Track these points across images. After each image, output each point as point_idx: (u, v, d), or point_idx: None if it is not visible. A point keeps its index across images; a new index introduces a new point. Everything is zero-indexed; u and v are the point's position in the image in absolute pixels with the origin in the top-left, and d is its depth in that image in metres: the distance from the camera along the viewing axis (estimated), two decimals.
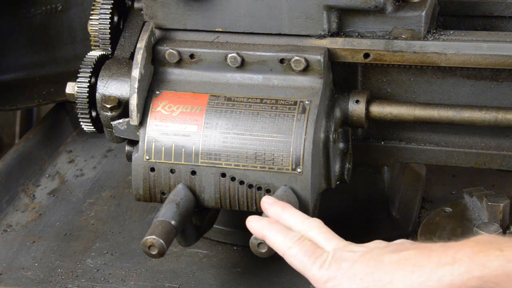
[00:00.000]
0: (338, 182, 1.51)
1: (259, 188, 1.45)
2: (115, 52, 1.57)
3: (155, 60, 1.51)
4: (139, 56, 1.46)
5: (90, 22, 1.56)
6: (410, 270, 1.18)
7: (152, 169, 1.48)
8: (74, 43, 2.12)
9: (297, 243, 1.28)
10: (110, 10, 1.55)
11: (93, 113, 1.55)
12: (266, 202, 1.38)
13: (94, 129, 1.56)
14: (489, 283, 1.12)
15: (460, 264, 1.14)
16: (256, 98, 1.46)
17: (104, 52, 1.57)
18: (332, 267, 1.24)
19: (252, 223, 1.34)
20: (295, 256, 1.28)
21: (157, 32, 1.52)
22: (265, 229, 1.33)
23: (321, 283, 1.24)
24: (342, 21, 1.47)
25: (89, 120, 1.55)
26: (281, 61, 1.46)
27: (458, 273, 1.13)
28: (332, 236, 1.30)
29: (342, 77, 1.53)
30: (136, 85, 1.45)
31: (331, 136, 1.46)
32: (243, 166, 1.44)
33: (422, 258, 1.18)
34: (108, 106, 1.50)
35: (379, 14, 1.45)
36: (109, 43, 1.57)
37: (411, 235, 1.67)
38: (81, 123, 1.56)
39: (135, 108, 1.46)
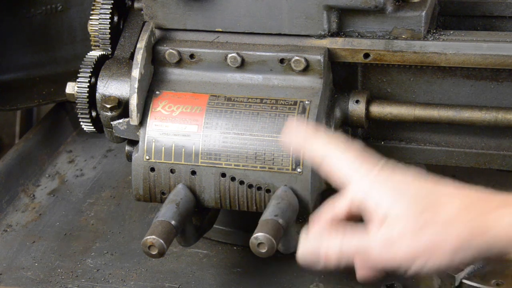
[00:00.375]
0: None
1: (259, 188, 1.45)
2: (115, 52, 1.57)
3: (155, 60, 1.51)
4: (139, 56, 1.46)
5: (90, 22, 1.56)
6: (470, 201, 1.11)
7: (152, 169, 1.48)
8: (74, 43, 2.12)
9: (340, 145, 1.19)
10: (110, 10, 1.55)
11: (93, 113, 1.55)
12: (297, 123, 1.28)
13: (94, 129, 1.57)
14: None
15: None
16: (256, 98, 1.46)
17: (104, 52, 1.57)
18: (381, 178, 1.15)
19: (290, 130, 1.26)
20: (338, 157, 1.18)
21: (157, 32, 1.52)
22: (305, 137, 1.23)
23: (363, 190, 1.16)
24: (342, 21, 1.47)
25: (89, 120, 1.55)
26: (281, 61, 1.46)
27: None
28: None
29: (342, 77, 1.53)
30: (136, 85, 1.45)
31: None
32: (243, 166, 1.44)
33: (484, 196, 1.12)
34: (108, 106, 1.50)
35: (379, 14, 1.45)
36: (109, 43, 1.57)
37: None
38: (81, 123, 1.56)
39: (135, 108, 1.46)
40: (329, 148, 1.20)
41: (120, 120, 1.50)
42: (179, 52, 1.49)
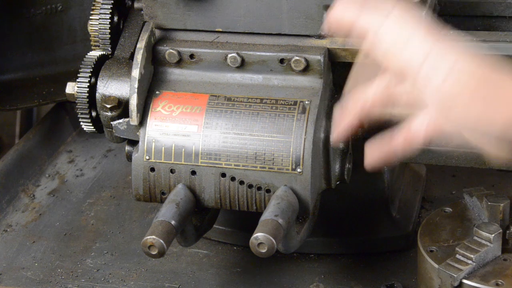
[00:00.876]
0: (338, 182, 1.51)
1: (259, 188, 1.45)
2: (115, 52, 1.57)
3: (155, 60, 1.51)
4: (139, 56, 1.46)
5: (90, 22, 1.56)
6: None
7: (152, 169, 1.48)
8: (74, 43, 2.12)
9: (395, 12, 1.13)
10: (110, 10, 1.55)
11: (93, 113, 1.55)
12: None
13: (94, 129, 1.56)
14: None
15: None
16: (256, 98, 1.46)
17: (104, 52, 1.57)
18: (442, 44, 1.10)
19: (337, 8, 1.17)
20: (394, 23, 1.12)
21: (157, 32, 1.52)
22: (355, 12, 1.15)
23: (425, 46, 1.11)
24: None
25: (89, 120, 1.55)
26: (281, 61, 1.46)
27: None
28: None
29: (342, 77, 1.53)
30: (136, 85, 1.45)
31: (331, 136, 1.46)
32: (243, 166, 1.44)
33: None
34: (108, 106, 1.50)
35: None
36: (109, 43, 1.57)
37: (411, 235, 1.67)
38: (81, 123, 1.56)
39: (135, 108, 1.46)
40: (385, 20, 1.13)
41: (120, 120, 1.50)
42: (179, 52, 1.49)
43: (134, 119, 1.47)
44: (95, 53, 1.56)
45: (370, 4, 1.14)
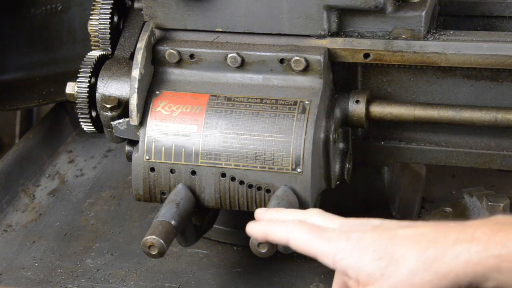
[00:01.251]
0: (338, 182, 1.51)
1: (259, 188, 1.45)
2: (115, 52, 1.57)
3: (155, 60, 1.51)
4: (139, 56, 1.46)
5: (90, 22, 1.56)
6: (425, 245, 1.14)
7: (152, 169, 1.48)
8: (74, 43, 2.12)
9: (299, 225, 1.24)
10: (110, 10, 1.55)
11: (93, 113, 1.55)
12: (259, 212, 1.35)
13: (94, 129, 1.57)
14: (506, 262, 1.09)
15: (478, 242, 1.10)
16: (256, 98, 1.46)
17: (104, 52, 1.57)
18: (341, 239, 1.18)
19: (251, 226, 1.32)
20: (299, 237, 1.22)
21: (157, 32, 1.52)
22: (264, 227, 1.29)
23: (330, 257, 1.19)
24: (342, 21, 1.47)
25: (89, 120, 1.55)
26: (281, 61, 1.46)
27: (475, 251, 1.10)
28: (335, 217, 1.25)
29: (342, 77, 1.53)
30: (136, 85, 1.45)
31: (331, 136, 1.46)
32: (243, 166, 1.44)
33: (439, 234, 1.14)
34: (108, 106, 1.50)
35: (379, 14, 1.45)
36: (109, 43, 1.57)
37: None
38: (81, 123, 1.56)
39: (135, 108, 1.46)
40: (290, 228, 1.25)
41: (120, 120, 1.50)
42: (179, 52, 1.49)
43: (134, 119, 1.47)
44: (95, 53, 1.56)
45: (277, 221, 1.29)
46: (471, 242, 1.11)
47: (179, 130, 1.46)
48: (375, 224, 1.21)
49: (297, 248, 1.24)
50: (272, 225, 1.29)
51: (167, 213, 1.43)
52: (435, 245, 1.14)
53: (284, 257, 1.61)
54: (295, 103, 1.44)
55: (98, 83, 1.52)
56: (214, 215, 1.59)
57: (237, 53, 1.47)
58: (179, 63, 1.50)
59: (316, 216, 1.27)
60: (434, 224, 1.18)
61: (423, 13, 1.45)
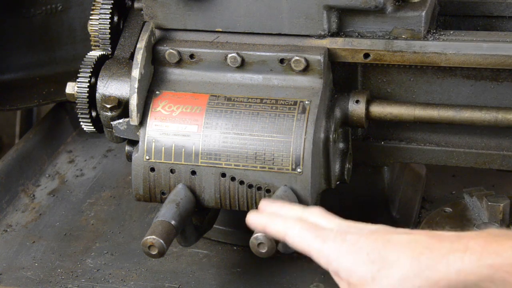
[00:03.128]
0: (338, 182, 1.51)
1: (259, 188, 1.45)
2: (115, 52, 1.57)
3: (155, 60, 1.51)
4: (139, 56, 1.46)
5: (90, 22, 1.56)
6: (420, 251, 1.15)
7: (152, 169, 1.48)
8: (74, 43, 2.12)
9: (298, 223, 1.25)
10: (110, 10, 1.55)
11: (93, 113, 1.55)
12: (264, 204, 1.37)
13: (94, 129, 1.57)
14: (500, 271, 1.10)
15: (472, 252, 1.11)
16: (256, 98, 1.46)
17: (104, 52, 1.57)
18: (337, 240, 1.20)
19: (252, 216, 1.33)
20: (296, 234, 1.24)
21: (157, 32, 1.52)
22: (265, 220, 1.31)
23: (324, 257, 1.21)
24: (342, 21, 1.47)
25: (89, 120, 1.55)
26: (281, 61, 1.46)
27: (469, 260, 1.11)
28: (335, 217, 1.27)
29: (342, 77, 1.53)
30: (136, 85, 1.45)
31: (331, 136, 1.46)
32: (243, 166, 1.44)
33: (434, 242, 1.15)
34: (108, 106, 1.50)
35: (379, 14, 1.45)
36: (109, 43, 1.57)
37: None
38: (81, 123, 1.56)
39: (135, 108, 1.46)
40: (289, 224, 1.27)
41: (120, 120, 1.50)
42: (179, 52, 1.49)
43: (134, 119, 1.47)
44: (95, 53, 1.56)
45: (278, 216, 1.31)
46: (465, 252, 1.12)
47: (179, 130, 1.46)
48: (372, 229, 1.22)
49: (293, 244, 1.25)
50: (272, 219, 1.30)
51: (167, 213, 1.43)
52: (428, 252, 1.15)
53: (284, 257, 1.61)
54: (295, 103, 1.44)
55: (98, 83, 1.52)
56: (214, 215, 1.59)
57: (237, 53, 1.47)
58: (179, 63, 1.51)
59: (316, 214, 1.28)
60: (429, 232, 1.19)
61: (423, 13, 1.45)
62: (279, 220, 1.29)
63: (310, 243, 1.22)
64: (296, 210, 1.32)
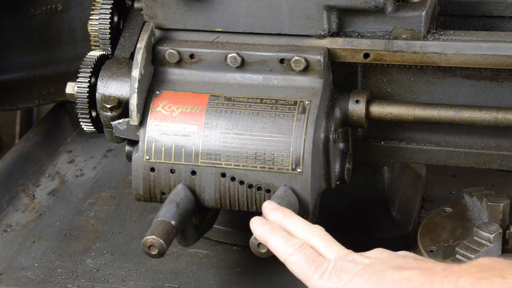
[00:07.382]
0: (338, 182, 1.51)
1: (259, 188, 1.45)
2: (115, 52, 1.57)
3: (155, 60, 1.51)
4: (139, 56, 1.46)
5: (90, 22, 1.56)
6: None
7: (152, 169, 1.48)
8: (74, 43, 2.12)
9: (298, 250, 1.28)
10: (110, 10, 1.55)
11: (93, 113, 1.55)
12: (267, 207, 1.37)
13: (94, 129, 1.57)
14: None
15: None
16: (256, 98, 1.46)
17: (104, 52, 1.57)
18: (332, 278, 1.23)
19: (255, 225, 1.34)
20: (296, 263, 1.27)
21: (157, 32, 1.52)
22: (267, 234, 1.32)
23: None
24: (342, 21, 1.47)
25: (89, 120, 1.55)
26: (281, 61, 1.46)
27: None
28: (334, 244, 1.29)
29: (342, 77, 1.53)
30: (136, 85, 1.45)
31: (331, 136, 1.46)
32: (243, 166, 1.44)
33: (424, 281, 1.17)
34: (108, 106, 1.50)
35: (379, 14, 1.45)
36: (109, 43, 1.57)
37: (411, 235, 1.67)
38: (81, 123, 1.56)
39: (135, 108, 1.46)
40: (289, 250, 1.29)
41: (120, 120, 1.50)
42: (179, 52, 1.49)
43: (134, 119, 1.47)
44: (95, 53, 1.56)
45: (279, 233, 1.32)
46: None
47: (179, 130, 1.46)
48: (366, 263, 1.23)
49: (291, 271, 1.29)
50: (274, 235, 1.32)
51: (167, 213, 1.43)
52: (423, 285, 1.16)
53: None
54: (295, 103, 1.44)
55: (98, 83, 1.52)
56: (214, 215, 1.59)
57: (237, 53, 1.47)
58: (179, 63, 1.51)
59: (317, 236, 1.30)
60: (421, 265, 1.21)
61: (423, 13, 1.45)
62: (281, 242, 1.30)
63: (308, 276, 1.26)
64: (298, 226, 1.33)
